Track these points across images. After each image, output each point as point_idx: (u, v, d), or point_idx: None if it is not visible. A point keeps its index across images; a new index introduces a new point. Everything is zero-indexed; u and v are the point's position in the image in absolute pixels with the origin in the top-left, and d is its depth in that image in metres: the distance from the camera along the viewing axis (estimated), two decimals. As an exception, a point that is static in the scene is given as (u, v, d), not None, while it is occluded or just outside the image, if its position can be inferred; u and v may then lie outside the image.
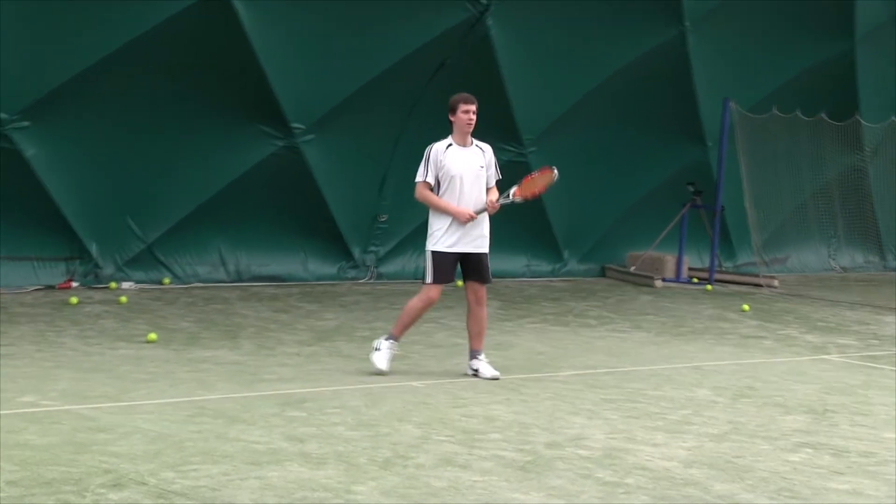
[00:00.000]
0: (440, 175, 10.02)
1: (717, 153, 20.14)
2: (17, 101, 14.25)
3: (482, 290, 10.15)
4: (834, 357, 12.43)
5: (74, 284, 15.20)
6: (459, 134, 10.11)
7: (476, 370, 10.15)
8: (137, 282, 15.73)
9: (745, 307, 16.40)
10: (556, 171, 10.28)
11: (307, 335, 12.37)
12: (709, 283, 19.45)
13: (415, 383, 9.73)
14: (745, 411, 9.16)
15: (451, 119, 10.10)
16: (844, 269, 23.36)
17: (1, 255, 14.78)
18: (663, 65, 19.10)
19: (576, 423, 8.42)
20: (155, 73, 15.08)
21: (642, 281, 19.19)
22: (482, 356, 10.22)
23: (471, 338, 10.25)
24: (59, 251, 15.33)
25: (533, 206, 18.85)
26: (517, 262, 19.29)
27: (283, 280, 16.96)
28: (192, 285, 16.10)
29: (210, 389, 9.09)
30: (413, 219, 16.81)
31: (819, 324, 15.21)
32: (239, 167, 16.22)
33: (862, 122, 21.98)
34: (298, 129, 16.31)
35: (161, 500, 6.01)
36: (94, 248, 15.52)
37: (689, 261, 20.29)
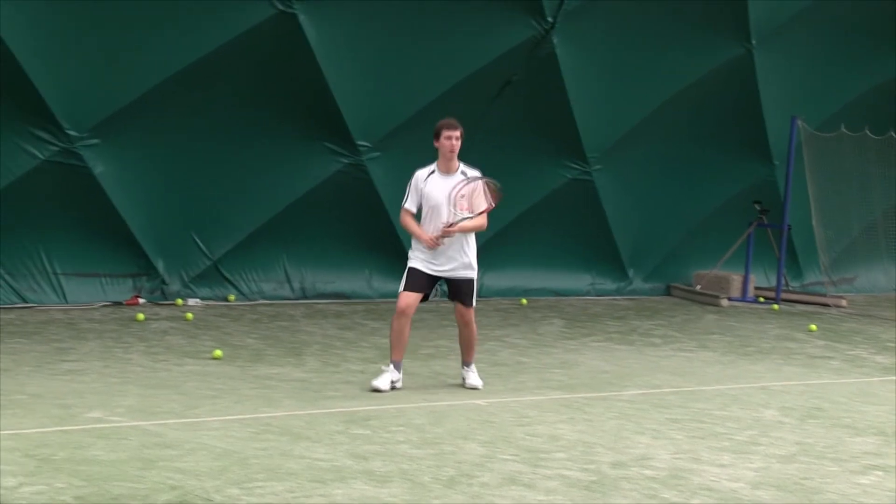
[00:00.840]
0: (422, 202, 10.15)
1: (784, 171, 19.98)
2: (86, 118, 14.43)
3: (468, 313, 10.26)
4: (904, 378, 12.27)
5: (141, 301, 15.32)
6: (443, 160, 10.18)
7: (463, 378, 10.45)
8: (203, 298, 15.84)
9: (813, 327, 16.23)
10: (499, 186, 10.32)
11: (372, 353, 12.39)
12: (775, 303, 19.26)
13: (479, 401, 9.71)
14: (813, 432, 9.06)
15: (436, 145, 10.17)
16: (915, 289, 23.06)
17: (69, 272, 14.96)
18: (730, 82, 18.98)
19: (641, 442, 8.36)
20: (222, 91, 15.21)
21: (708, 300, 19.05)
22: (471, 367, 10.46)
23: (461, 351, 10.52)
24: (127, 268, 15.48)
25: (598, 225, 18.97)
26: (582, 281, 19.23)
27: (348, 297, 17.00)
28: (257, 302, 16.19)
29: (275, 406, 9.12)
30: (477, 237, 16.76)
31: (889, 344, 15.02)
32: (305, 184, 16.31)
33: (933, 140, 21.70)
34: (364, 146, 16.37)
35: (226, 517, 6.04)
36: (160, 265, 15.66)
37: (755, 280, 20.12)
